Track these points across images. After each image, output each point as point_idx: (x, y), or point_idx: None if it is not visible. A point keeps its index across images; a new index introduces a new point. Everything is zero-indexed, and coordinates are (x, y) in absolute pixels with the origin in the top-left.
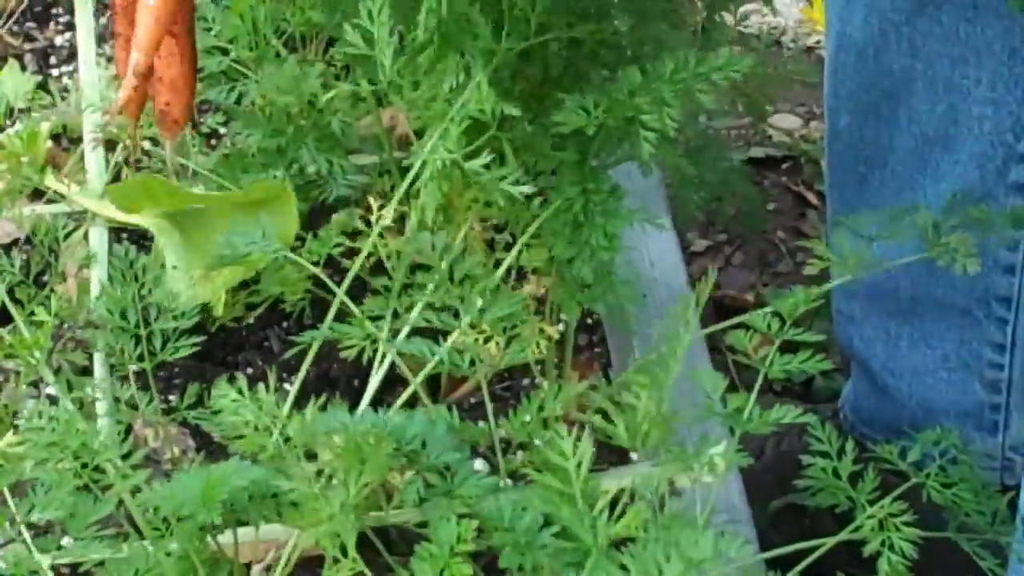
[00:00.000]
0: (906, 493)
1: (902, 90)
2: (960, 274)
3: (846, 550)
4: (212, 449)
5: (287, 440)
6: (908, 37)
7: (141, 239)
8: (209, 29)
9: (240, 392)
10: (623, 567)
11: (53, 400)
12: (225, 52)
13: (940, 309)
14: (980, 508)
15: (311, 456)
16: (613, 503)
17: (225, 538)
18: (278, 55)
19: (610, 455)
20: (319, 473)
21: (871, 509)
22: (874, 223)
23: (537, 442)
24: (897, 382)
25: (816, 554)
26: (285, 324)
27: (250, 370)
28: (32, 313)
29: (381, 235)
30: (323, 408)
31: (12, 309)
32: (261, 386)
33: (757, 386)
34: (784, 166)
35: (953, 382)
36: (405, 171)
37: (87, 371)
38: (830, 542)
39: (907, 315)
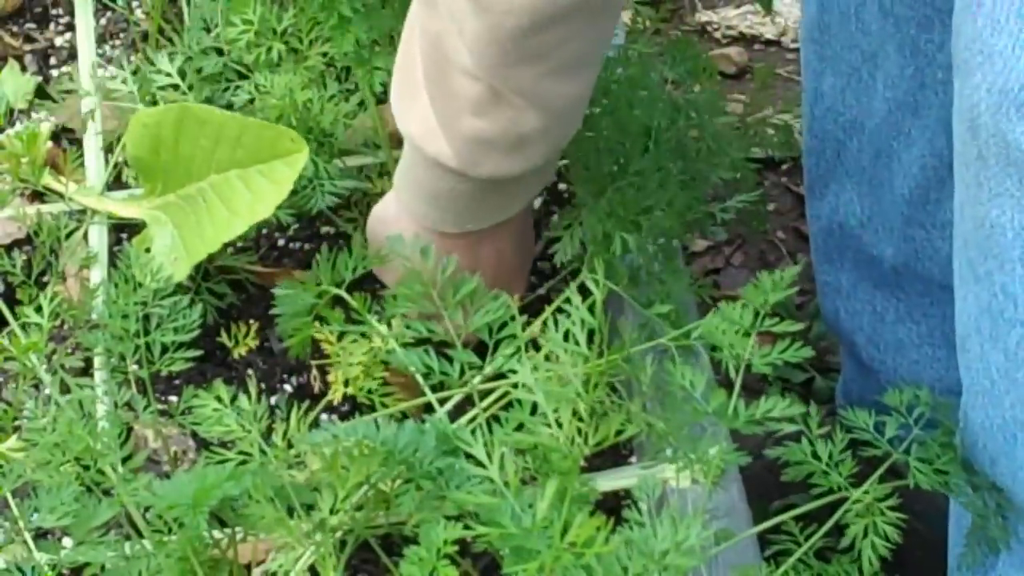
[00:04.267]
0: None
1: (879, 52)
2: (937, 248)
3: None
4: (210, 451)
5: (274, 448)
6: None
7: None
8: (207, 29)
9: (223, 403)
10: (587, 568)
11: (54, 401)
12: (220, 52)
13: (922, 283)
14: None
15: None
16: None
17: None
18: (279, 55)
19: (608, 455)
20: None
21: (856, 493)
22: (855, 191)
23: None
24: (882, 356)
25: (808, 544)
26: None
27: (250, 370)
28: (39, 309)
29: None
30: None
31: (9, 311)
32: (249, 393)
33: (739, 379)
34: (784, 166)
35: (938, 358)
36: None
37: (87, 372)
38: (821, 533)
39: (893, 288)
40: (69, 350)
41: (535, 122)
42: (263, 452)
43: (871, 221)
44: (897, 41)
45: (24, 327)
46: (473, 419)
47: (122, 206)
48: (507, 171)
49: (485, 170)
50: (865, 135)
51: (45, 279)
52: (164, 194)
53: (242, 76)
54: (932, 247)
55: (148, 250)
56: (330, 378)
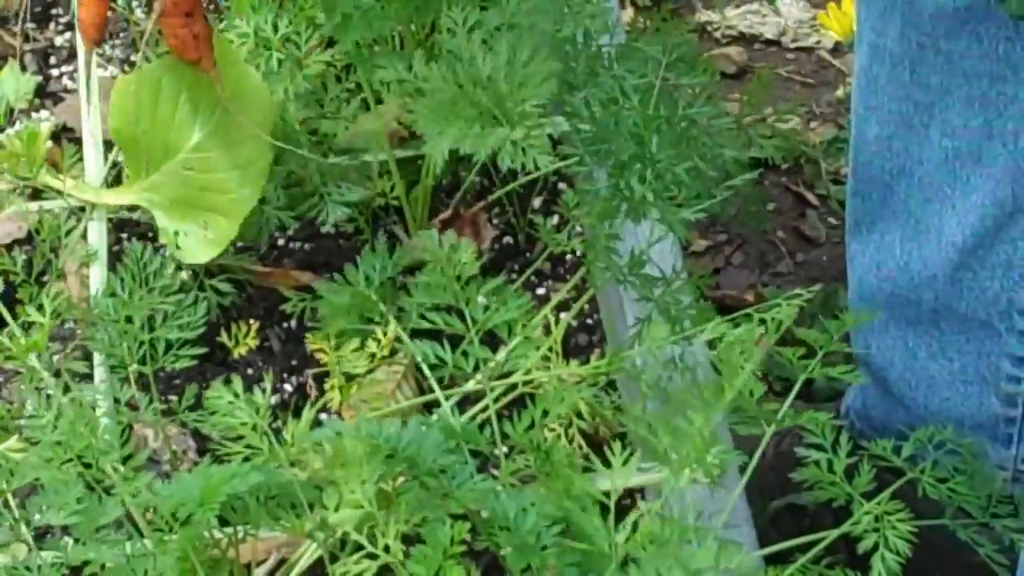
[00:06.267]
0: (904, 489)
1: (937, 103)
2: (985, 288)
3: (845, 547)
4: (213, 448)
5: (282, 444)
6: (946, 52)
7: (143, 237)
8: None
9: (235, 394)
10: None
11: (56, 400)
12: None
13: (961, 321)
14: (977, 499)
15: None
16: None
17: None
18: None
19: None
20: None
21: (868, 505)
22: (899, 233)
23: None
24: (913, 392)
25: (813, 551)
26: (285, 324)
27: (250, 370)
28: (41, 307)
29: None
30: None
31: (10, 311)
32: (257, 389)
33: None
34: (784, 166)
35: (969, 395)
36: (406, 169)
37: (88, 370)
38: (829, 537)
39: (927, 326)
40: (69, 350)
41: None
42: (271, 448)
43: (908, 266)
44: (964, 94)
45: (24, 327)
46: (481, 413)
47: (115, 195)
48: None
49: None
50: (915, 181)
51: (45, 278)
52: (150, 174)
53: None
54: (979, 287)
55: (177, 233)
56: (327, 385)
